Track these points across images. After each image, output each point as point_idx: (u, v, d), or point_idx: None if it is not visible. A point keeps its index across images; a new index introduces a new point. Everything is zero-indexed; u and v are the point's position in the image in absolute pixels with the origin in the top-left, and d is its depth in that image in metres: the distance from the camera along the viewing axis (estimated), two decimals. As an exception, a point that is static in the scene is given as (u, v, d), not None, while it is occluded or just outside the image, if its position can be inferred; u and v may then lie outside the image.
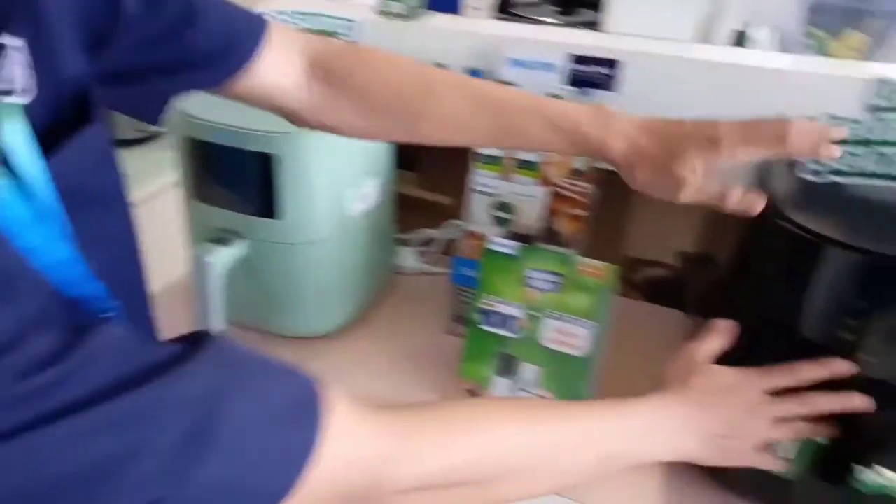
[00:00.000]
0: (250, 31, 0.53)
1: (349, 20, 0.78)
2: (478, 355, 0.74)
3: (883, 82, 0.51)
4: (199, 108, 0.71)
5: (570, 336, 0.70)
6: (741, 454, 0.54)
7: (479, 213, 0.82)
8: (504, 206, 0.80)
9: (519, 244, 0.69)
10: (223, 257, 0.73)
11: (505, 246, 0.70)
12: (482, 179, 0.80)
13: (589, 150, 0.55)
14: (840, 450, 0.53)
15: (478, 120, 0.56)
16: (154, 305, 0.51)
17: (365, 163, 0.80)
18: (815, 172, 0.57)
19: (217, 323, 0.74)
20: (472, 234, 0.83)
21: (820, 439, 0.55)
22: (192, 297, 0.74)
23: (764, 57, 0.86)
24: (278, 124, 0.61)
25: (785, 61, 0.83)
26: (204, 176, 0.75)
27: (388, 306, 0.92)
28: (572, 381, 0.70)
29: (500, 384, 0.73)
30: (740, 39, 0.99)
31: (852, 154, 0.55)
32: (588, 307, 0.68)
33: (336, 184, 0.75)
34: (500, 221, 0.81)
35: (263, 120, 0.64)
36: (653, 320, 0.89)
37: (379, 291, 0.92)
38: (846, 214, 0.55)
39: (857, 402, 0.52)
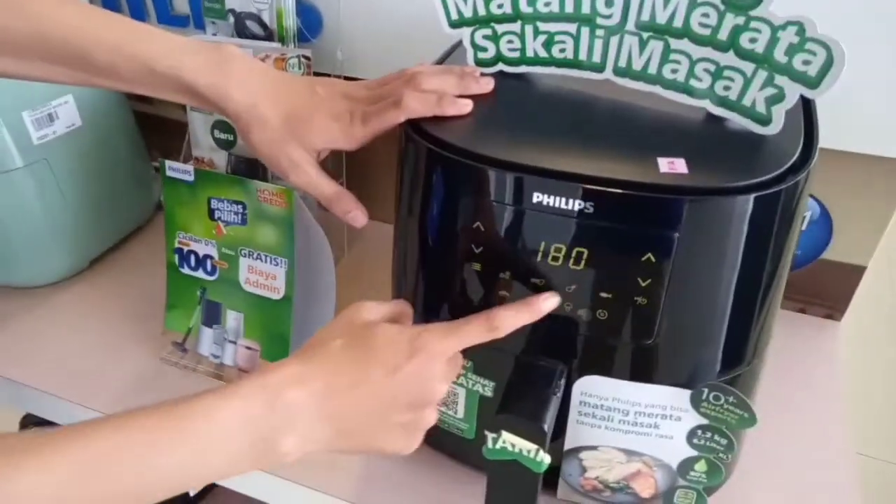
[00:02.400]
0: None
1: None
2: (180, 303, 0.63)
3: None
4: None
5: (264, 276, 0.59)
6: (386, 437, 0.39)
7: (201, 136, 0.70)
8: (223, 126, 0.68)
9: (194, 169, 0.57)
10: None
11: (180, 171, 0.58)
12: (198, 94, 0.67)
13: (199, 100, 0.46)
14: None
15: (50, 50, 0.44)
16: None
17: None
18: (481, 62, 0.45)
19: None
20: (198, 161, 0.71)
21: (482, 391, 0.46)
22: None
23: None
24: None
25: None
26: None
27: (143, 246, 0.81)
28: (275, 329, 0.60)
29: (206, 334, 0.63)
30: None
31: (515, 34, 0.43)
32: (277, 241, 0.57)
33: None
34: (223, 144, 0.69)
35: None
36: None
37: (128, 230, 0.81)
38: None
39: (545, 302, 0.39)
